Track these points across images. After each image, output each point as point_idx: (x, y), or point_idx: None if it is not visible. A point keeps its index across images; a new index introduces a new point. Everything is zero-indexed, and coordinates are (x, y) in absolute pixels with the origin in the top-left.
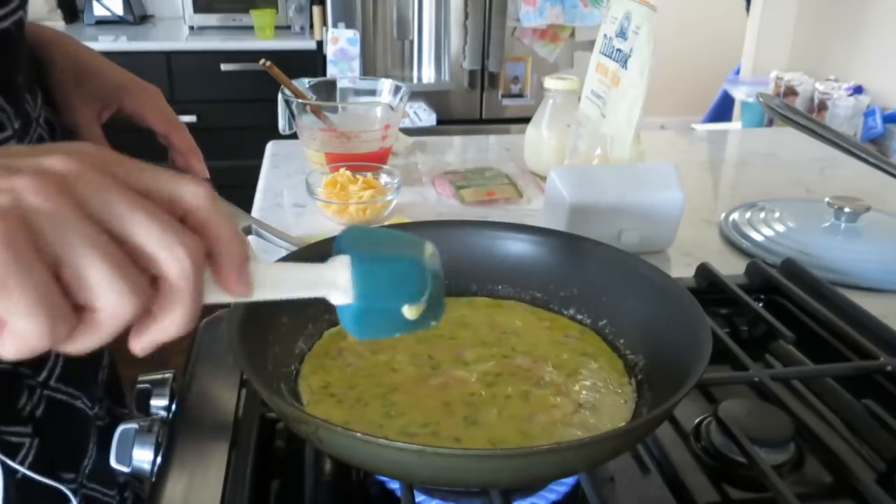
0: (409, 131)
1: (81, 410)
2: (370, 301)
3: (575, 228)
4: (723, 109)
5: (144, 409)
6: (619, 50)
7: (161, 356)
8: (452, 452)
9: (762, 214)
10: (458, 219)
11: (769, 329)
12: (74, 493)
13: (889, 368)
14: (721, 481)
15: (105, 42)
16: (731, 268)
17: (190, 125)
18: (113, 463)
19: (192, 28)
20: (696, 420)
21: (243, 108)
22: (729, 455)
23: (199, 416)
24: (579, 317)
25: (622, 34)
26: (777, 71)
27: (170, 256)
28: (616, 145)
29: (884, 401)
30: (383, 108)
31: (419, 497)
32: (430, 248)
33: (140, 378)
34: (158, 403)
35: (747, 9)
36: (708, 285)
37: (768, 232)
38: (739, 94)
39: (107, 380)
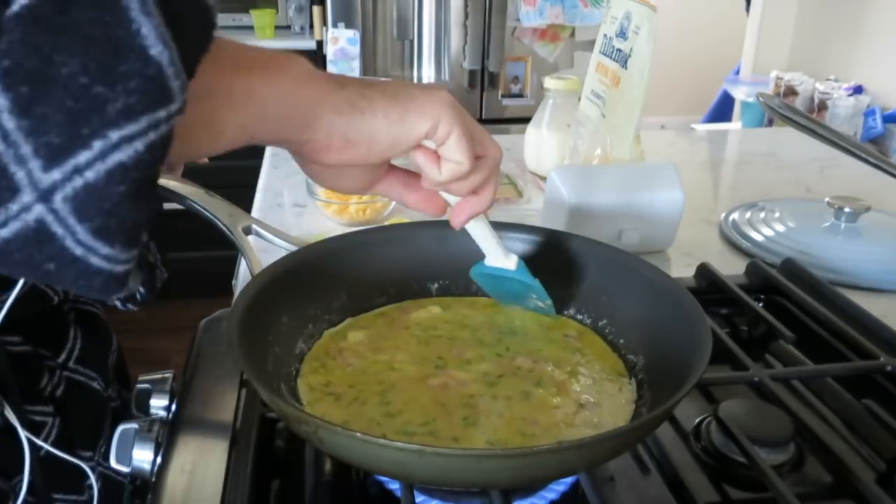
0: None
1: (97, 391)
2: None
3: (575, 228)
4: (723, 109)
5: (144, 409)
6: (619, 50)
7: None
8: (452, 452)
9: (762, 214)
10: None
11: (769, 329)
12: (92, 470)
13: (889, 368)
14: (721, 481)
15: None
16: (731, 268)
17: None
18: (113, 463)
19: None
20: (696, 420)
21: None
22: (729, 455)
23: (199, 416)
24: (579, 317)
25: (622, 34)
26: (777, 71)
27: (497, 151)
28: (616, 145)
29: (884, 401)
30: None
31: (419, 497)
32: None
33: (140, 378)
34: (158, 403)
35: (747, 9)
36: (708, 285)
37: (768, 232)
38: (739, 94)
39: (115, 364)
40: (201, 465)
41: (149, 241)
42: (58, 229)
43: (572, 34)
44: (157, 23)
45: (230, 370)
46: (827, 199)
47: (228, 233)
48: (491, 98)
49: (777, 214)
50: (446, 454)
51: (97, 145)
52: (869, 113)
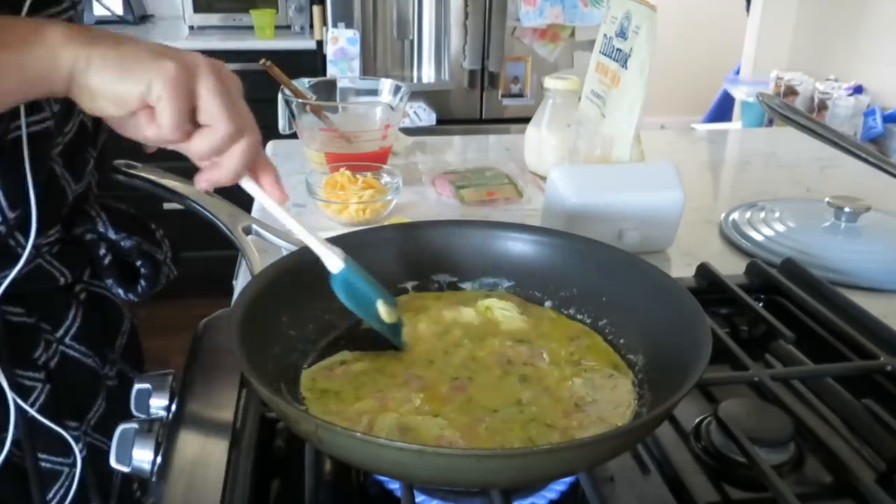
0: (409, 131)
1: (92, 368)
2: (354, 277)
3: (575, 228)
4: (723, 109)
5: (144, 409)
6: (619, 50)
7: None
8: (452, 452)
9: (762, 214)
10: (459, 219)
11: (769, 329)
12: (77, 440)
13: (889, 368)
14: (721, 481)
15: None
16: (731, 268)
17: None
18: (113, 463)
19: (192, 28)
20: (696, 420)
21: None
22: (729, 455)
23: (199, 416)
24: (579, 317)
25: (622, 34)
26: (777, 71)
27: (252, 129)
28: (616, 145)
29: (884, 401)
30: (383, 107)
31: (419, 497)
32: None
33: (140, 378)
34: (158, 403)
35: (747, 9)
36: (708, 285)
37: (768, 232)
38: (739, 93)
39: (125, 345)
40: (201, 465)
41: (162, 237)
42: None
43: (572, 34)
44: None
45: (230, 370)
46: (827, 199)
47: (228, 233)
48: (491, 98)
49: (777, 214)
50: (446, 454)
51: None
52: (869, 113)
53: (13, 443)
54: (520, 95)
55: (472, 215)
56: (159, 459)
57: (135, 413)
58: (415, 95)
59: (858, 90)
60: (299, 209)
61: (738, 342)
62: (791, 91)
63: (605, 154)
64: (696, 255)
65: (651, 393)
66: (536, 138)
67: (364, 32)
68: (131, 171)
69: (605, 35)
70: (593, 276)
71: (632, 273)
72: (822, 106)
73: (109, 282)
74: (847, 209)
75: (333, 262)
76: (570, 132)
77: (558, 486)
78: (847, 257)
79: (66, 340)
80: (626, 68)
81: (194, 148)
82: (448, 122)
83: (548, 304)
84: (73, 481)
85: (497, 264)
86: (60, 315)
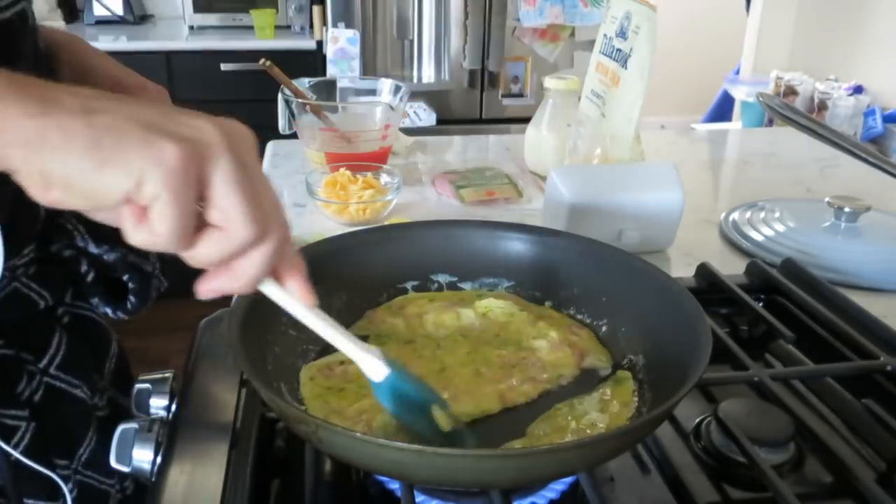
0: (409, 131)
1: (80, 399)
2: (402, 383)
3: (575, 228)
4: (723, 109)
5: (144, 409)
6: (619, 50)
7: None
8: (452, 452)
9: (762, 214)
10: (458, 219)
11: (769, 329)
12: (67, 479)
13: (889, 368)
14: (721, 481)
15: (105, 42)
16: (731, 268)
17: None
18: (113, 463)
19: (192, 28)
20: (696, 420)
21: (243, 107)
22: (729, 455)
23: (199, 416)
24: (579, 317)
25: (622, 34)
26: (777, 71)
27: (279, 227)
28: (616, 145)
29: (884, 401)
30: (383, 107)
31: (419, 497)
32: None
33: (140, 378)
34: (158, 403)
35: (747, 9)
36: (708, 285)
37: (768, 232)
38: (739, 93)
39: (114, 370)
40: (201, 465)
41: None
42: None
43: (572, 34)
44: None
45: (230, 370)
46: (827, 199)
47: None
48: (491, 98)
49: (777, 214)
50: (446, 454)
51: None
52: (869, 113)
53: None
54: (520, 95)
55: (472, 215)
56: (159, 459)
57: (135, 413)
58: (415, 95)
59: (858, 90)
60: (299, 209)
61: (738, 342)
62: (791, 91)
63: (605, 154)
64: (696, 255)
65: (651, 393)
66: (536, 138)
67: (364, 32)
68: None
69: (605, 35)
70: (593, 276)
71: (632, 273)
72: (822, 106)
73: (95, 301)
74: (847, 209)
75: (376, 368)
76: (570, 132)
77: (558, 486)
78: (847, 257)
79: (51, 371)
80: (626, 68)
81: (200, 255)
82: (448, 122)
83: (548, 304)
84: None
85: (497, 264)
86: (43, 343)
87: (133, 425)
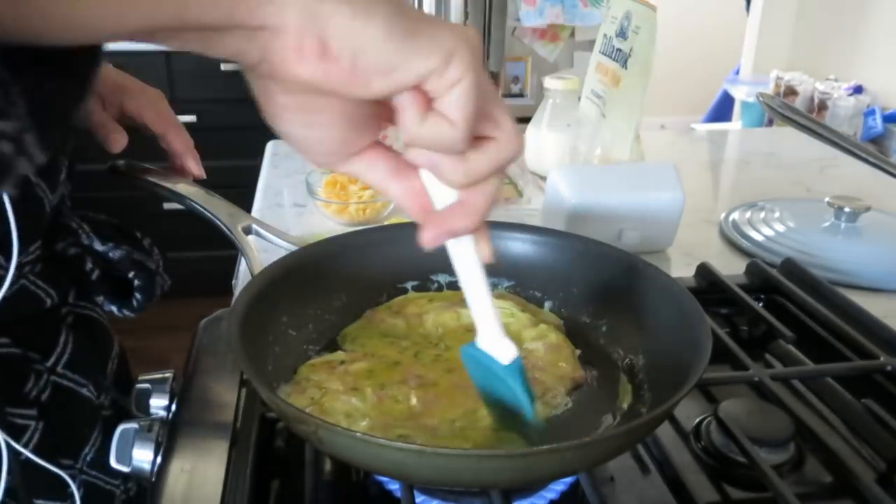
0: None
1: (87, 398)
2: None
3: (575, 228)
4: (723, 109)
5: (144, 409)
6: (619, 50)
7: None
8: (452, 452)
9: (762, 214)
10: None
11: (769, 329)
12: (73, 478)
13: (889, 368)
14: (721, 481)
15: None
16: (731, 268)
17: (190, 125)
18: (113, 463)
19: None
20: (696, 420)
21: (243, 107)
22: (729, 455)
23: (199, 416)
24: (582, 318)
25: (622, 34)
26: (777, 71)
27: (512, 141)
28: (616, 145)
29: (884, 401)
30: None
31: (419, 497)
32: None
33: (140, 378)
34: (158, 403)
35: (747, 9)
36: (708, 285)
37: (768, 232)
38: (739, 93)
39: (116, 370)
40: (201, 465)
41: (151, 246)
42: None
43: (572, 34)
44: None
45: (230, 370)
46: (827, 199)
47: (228, 233)
48: None
49: (777, 214)
50: (446, 454)
51: None
52: (869, 113)
53: (5, 492)
54: (520, 95)
55: None
56: (159, 459)
57: (135, 413)
58: None
59: (858, 90)
60: (299, 209)
61: (738, 342)
62: (791, 91)
63: (605, 154)
64: (696, 255)
65: (651, 393)
66: (536, 138)
67: None
68: (131, 172)
69: (605, 35)
70: (593, 276)
71: (631, 273)
72: (822, 106)
73: (100, 299)
74: (847, 209)
75: (508, 350)
76: (570, 132)
77: (558, 486)
78: (847, 257)
79: (58, 369)
80: (626, 68)
81: (473, 164)
82: None
83: (548, 304)
84: None
85: (497, 264)
86: (50, 342)
87: (133, 425)
